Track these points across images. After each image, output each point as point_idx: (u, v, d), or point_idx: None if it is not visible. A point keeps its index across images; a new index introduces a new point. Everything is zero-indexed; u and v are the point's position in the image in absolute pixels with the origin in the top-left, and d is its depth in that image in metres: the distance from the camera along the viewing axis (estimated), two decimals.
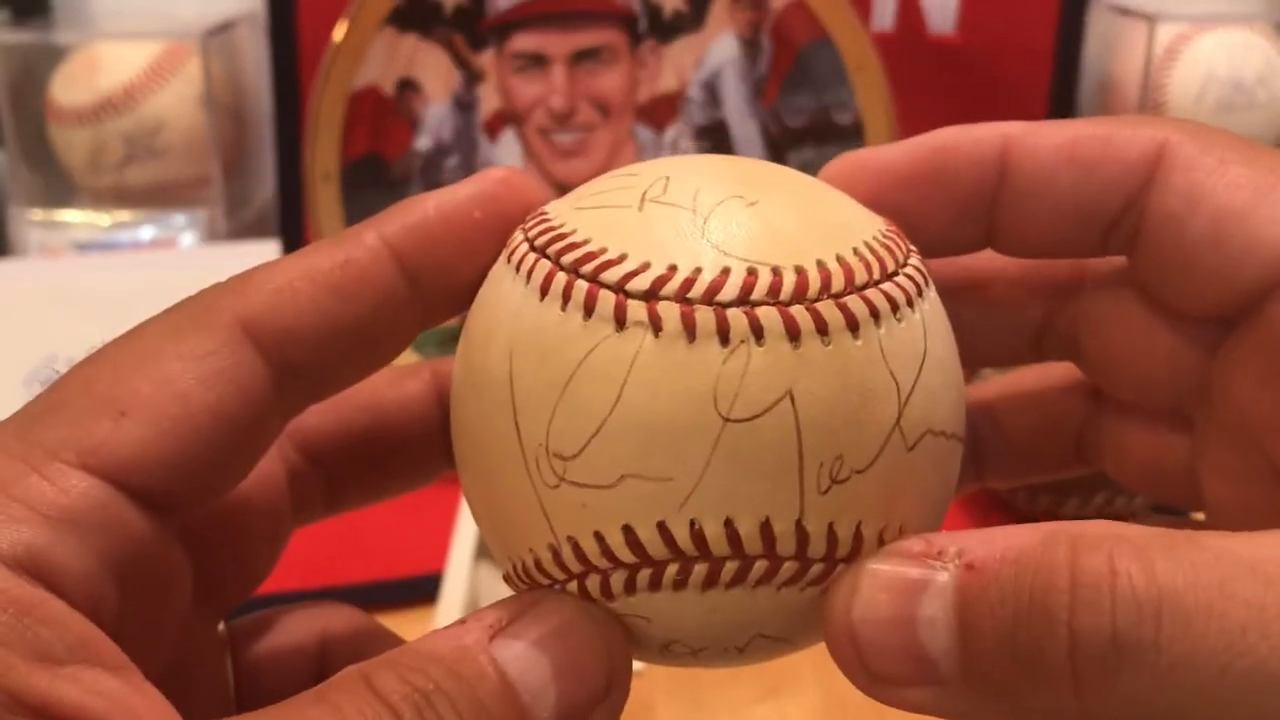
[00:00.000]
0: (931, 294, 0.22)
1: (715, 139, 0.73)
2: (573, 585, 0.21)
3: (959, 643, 0.19)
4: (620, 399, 0.20)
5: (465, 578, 0.54)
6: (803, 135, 0.73)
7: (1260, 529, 0.19)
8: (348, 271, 0.22)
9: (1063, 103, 0.76)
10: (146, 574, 0.20)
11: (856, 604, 0.20)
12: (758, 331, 0.20)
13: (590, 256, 0.21)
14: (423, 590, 0.54)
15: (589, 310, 0.20)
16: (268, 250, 0.73)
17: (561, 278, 0.21)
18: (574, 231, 0.21)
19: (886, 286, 0.21)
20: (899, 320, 0.21)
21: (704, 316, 0.20)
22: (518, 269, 0.22)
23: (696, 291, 0.20)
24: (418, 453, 0.27)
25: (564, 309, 0.20)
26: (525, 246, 0.22)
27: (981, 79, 0.75)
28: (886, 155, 0.24)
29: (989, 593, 0.19)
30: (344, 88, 0.70)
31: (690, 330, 0.20)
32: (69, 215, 0.79)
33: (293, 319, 0.21)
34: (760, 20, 0.72)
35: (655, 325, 0.20)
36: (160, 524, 0.21)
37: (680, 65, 0.72)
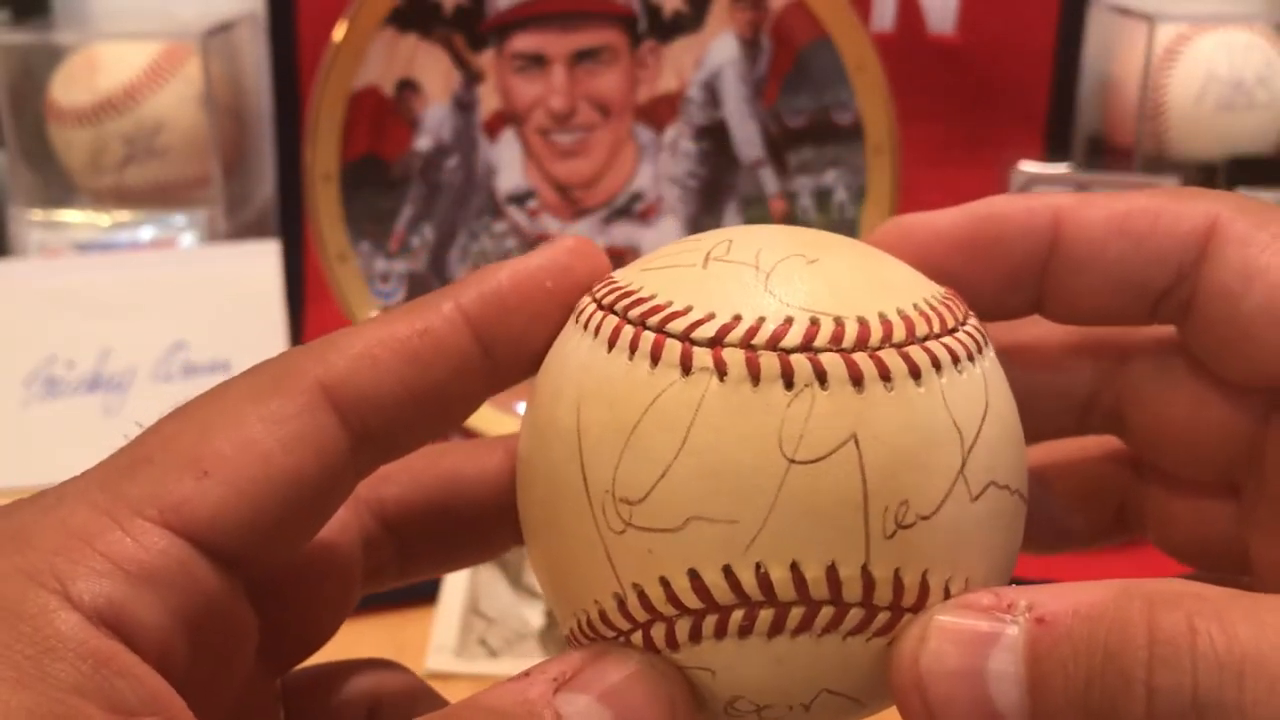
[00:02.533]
0: (991, 354, 0.23)
1: (715, 139, 0.73)
2: (637, 636, 0.21)
3: (1029, 698, 0.19)
4: (686, 442, 0.20)
5: (465, 577, 0.54)
6: (802, 135, 0.73)
7: None
8: (425, 340, 0.23)
9: (1063, 103, 0.76)
10: (216, 630, 0.21)
11: (924, 654, 0.20)
12: (821, 376, 0.20)
13: (656, 310, 0.21)
14: (423, 590, 0.54)
15: (655, 358, 0.21)
16: (268, 250, 0.73)
17: (629, 330, 0.21)
18: (640, 289, 0.22)
19: (947, 340, 0.21)
20: (960, 372, 0.21)
21: (768, 361, 0.20)
22: (585, 326, 0.22)
23: (761, 338, 0.20)
24: (491, 526, 0.27)
25: (631, 359, 0.21)
26: (593, 306, 0.22)
27: (981, 79, 0.75)
28: (938, 221, 0.25)
29: (1061, 648, 0.19)
30: (344, 88, 0.70)
31: (755, 374, 0.20)
32: (69, 215, 0.79)
33: (372, 385, 0.22)
34: (760, 20, 0.72)
35: (720, 370, 0.20)
36: (232, 582, 0.21)
37: (680, 65, 0.72)
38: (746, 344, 0.20)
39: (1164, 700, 0.18)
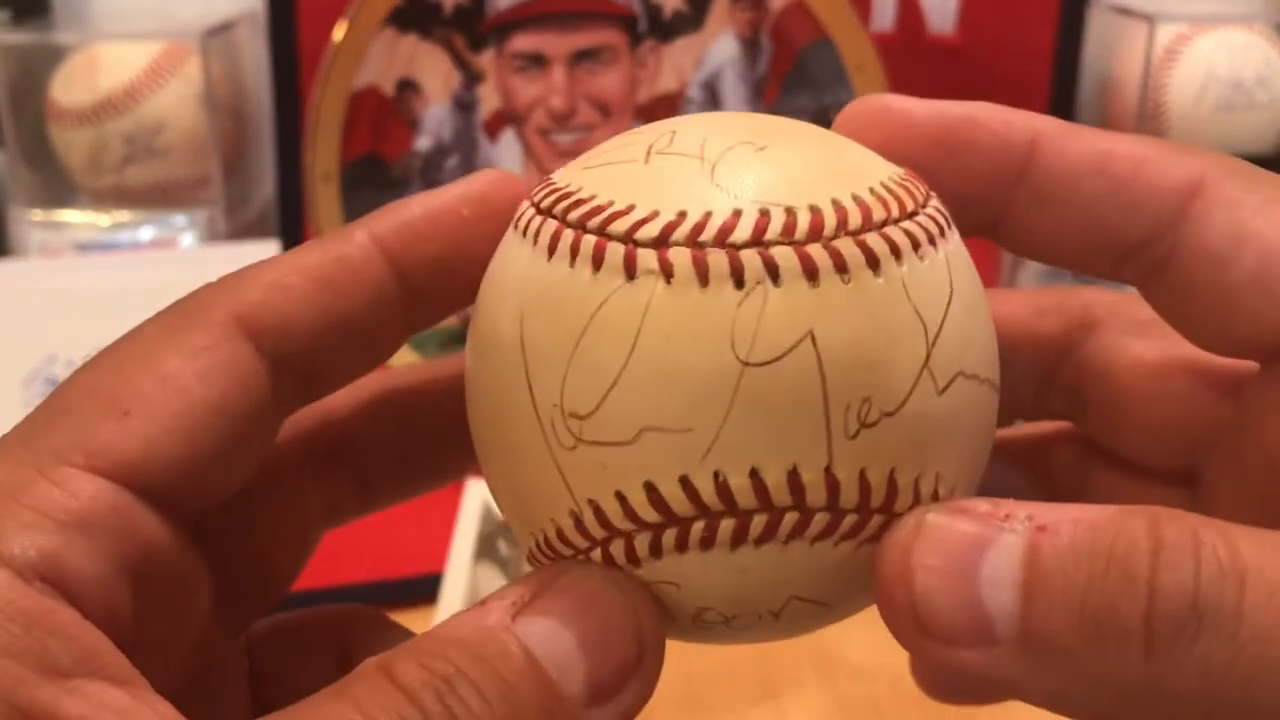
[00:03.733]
0: (955, 237, 0.22)
1: None
2: (596, 553, 0.20)
3: (1022, 602, 0.18)
4: (634, 350, 0.19)
5: (465, 578, 0.54)
6: None
7: None
8: (338, 266, 0.22)
9: (1063, 103, 0.76)
10: (162, 579, 0.20)
11: (918, 549, 0.19)
12: (773, 272, 0.19)
13: (597, 210, 0.20)
14: (423, 590, 0.54)
15: (598, 263, 0.20)
16: (268, 250, 0.73)
17: (569, 234, 0.20)
18: (580, 189, 0.21)
19: (907, 225, 0.20)
20: (921, 259, 0.20)
21: (717, 259, 0.19)
22: (524, 233, 0.21)
23: (708, 235, 0.19)
24: (446, 444, 0.26)
25: (572, 265, 0.20)
26: (531, 211, 0.21)
27: (981, 79, 0.75)
28: (912, 107, 0.23)
29: (1062, 550, 0.18)
30: (344, 88, 0.70)
31: (703, 275, 0.19)
32: (69, 215, 0.79)
33: (286, 313, 0.22)
34: (760, 20, 0.72)
35: (666, 272, 0.19)
36: (173, 526, 0.21)
37: (680, 65, 0.72)
38: (693, 242, 0.19)
39: (1165, 602, 0.17)
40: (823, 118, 0.80)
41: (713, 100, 0.73)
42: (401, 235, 0.23)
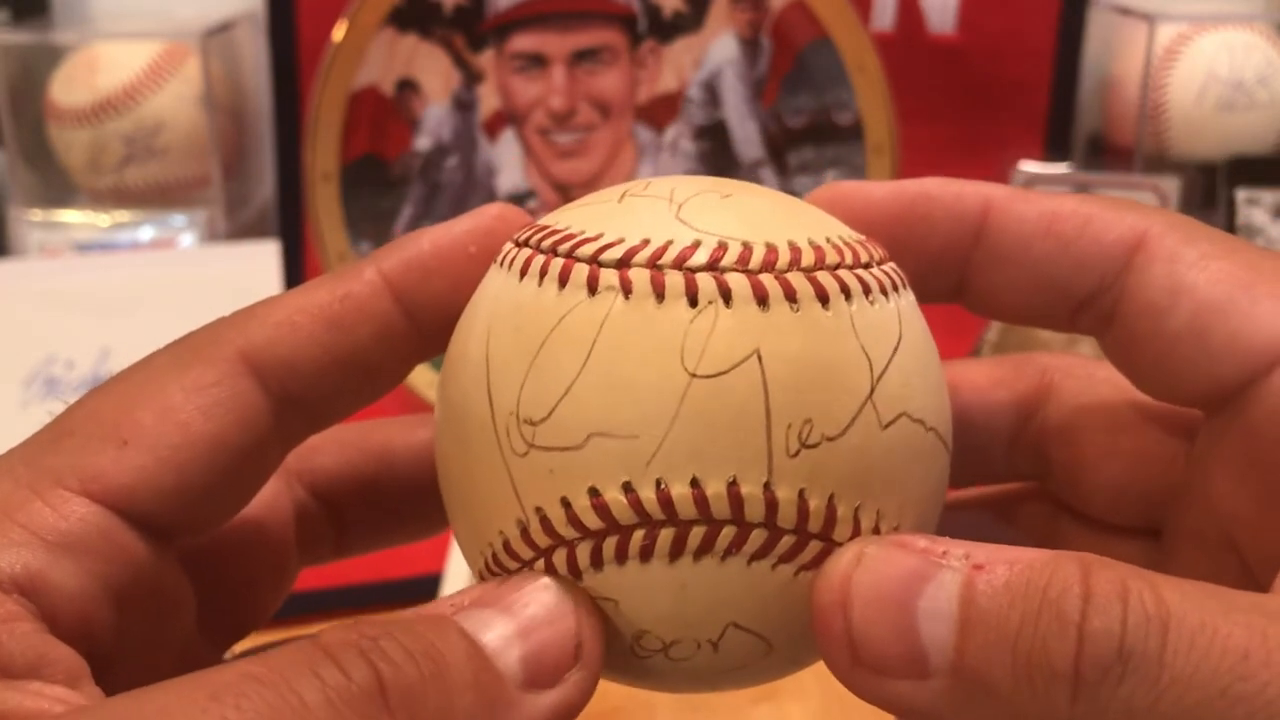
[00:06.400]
0: (909, 296, 0.22)
1: (715, 139, 0.73)
2: (539, 565, 0.21)
3: (957, 637, 0.19)
4: (589, 359, 0.20)
5: (465, 578, 0.54)
6: (802, 135, 0.73)
7: None
8: (346, 304, 0.23)
9: (1063, 103, 0.76)
10: (146, 598, 0.21)
11: (857, 577, 0.19)
12: (726, 294, 0.20)
13: (568, 238, 0.21)
14: (422, 590, 0.54)
15: (563, 281, 0.21)
16: (267, 250, 0.72)
17: (540, 258, 0.21)
18: (555, 224, 0.22)
19: (860, 272, 0.21)
20: (871, 303, 0.21)
21: (673, 280, 0.20)
22: (501, 264, 0.22)
23: (667, 259, 0.20)
24: (423, 501, 0.27)
25: (540, 283, 0.21)
26: (510, 245, 0.22)
27: (981, 79, 0.75)
28: (870, 190, 0.25)
29: (998, 589, 0.19)
30: (343, 88, 0.70)
31: (659, 292, 0.20)
32: (69, 215, 0.79)
33: (292, 351, 0.22)
34: (760, 20, 0.72)
35: (625, 289, 0.20)
36: (161, 550, 0.21)
37: (680, 65, 0.72)
38: (652, 264, 0.20)
39: (1093, 645, 0.18)
40: (823, 117, 0.79)
41: (713, 100, 0.73)
42: (409, 271, 0.23)
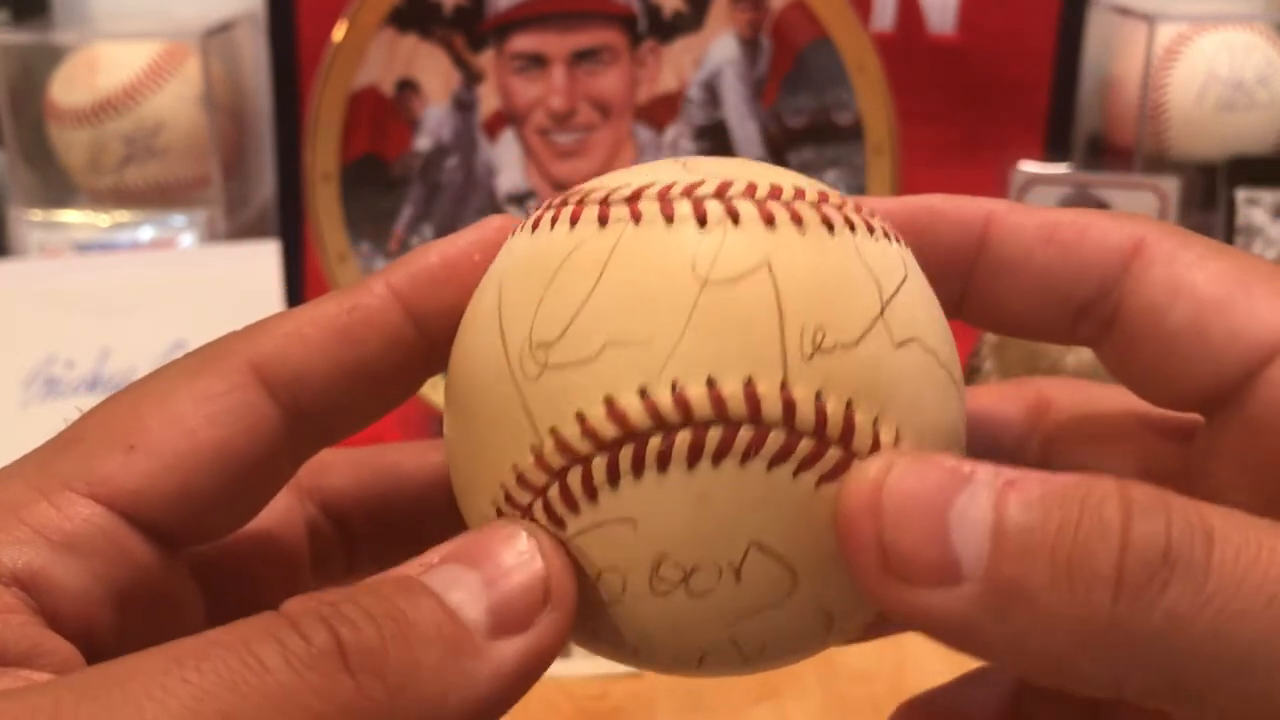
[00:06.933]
0: (912, 258, 0.23)
1: (715, 139, 0.73)
2: (554, 491, 0.20)
3: (991, 544, 0.19)
4: (601, 278, 0.20)
5: None
6: (802, 135, 0.73)
7: None
8: (354, 316, 0.23)
9: (1063, 103, 0.76)
10: (150, 600, 0.22)
11: (889, 483, 0.19)
12: (734, 216, 0.21)
13: (578, 191, 0.22)
14: None
15: (574, 222, 0.21)
16: (267, 250, 0.73)
17: (549, 212, 0.22)
18: (564, 193, 0.23)
19: (864, 215, 0.22)
20: (875, 240, 0.22)
21: (682, 206, 0.21)
22: (512, 234, 0.23)
23: (675, 192, 0.21)
24: (432, 524, 0.27)
25: (551, 229, 0.22)
26: (523, 217, 0.23)
27: (981, 79, 0.75)
28: (876, 205, 0.25)
29: (1033, 500, 0.19)
30: (343, 88, 0.70)
31: (669, 216, 0.21)
32: (69, 215, 0.79)
33: (301, 361, 0.23)
34: (760, 20, 0.72)
35: (635, 217, 0.21)
36: (168, 556, 0.22)
37: (680, 65, 0.72)
38: (661, 197, 0.21)
39: (1137, 549, 0.18)
40: (823, 117, 0.79)
41: (713, 100, 0.73)
42: (417, 283, 0.24)
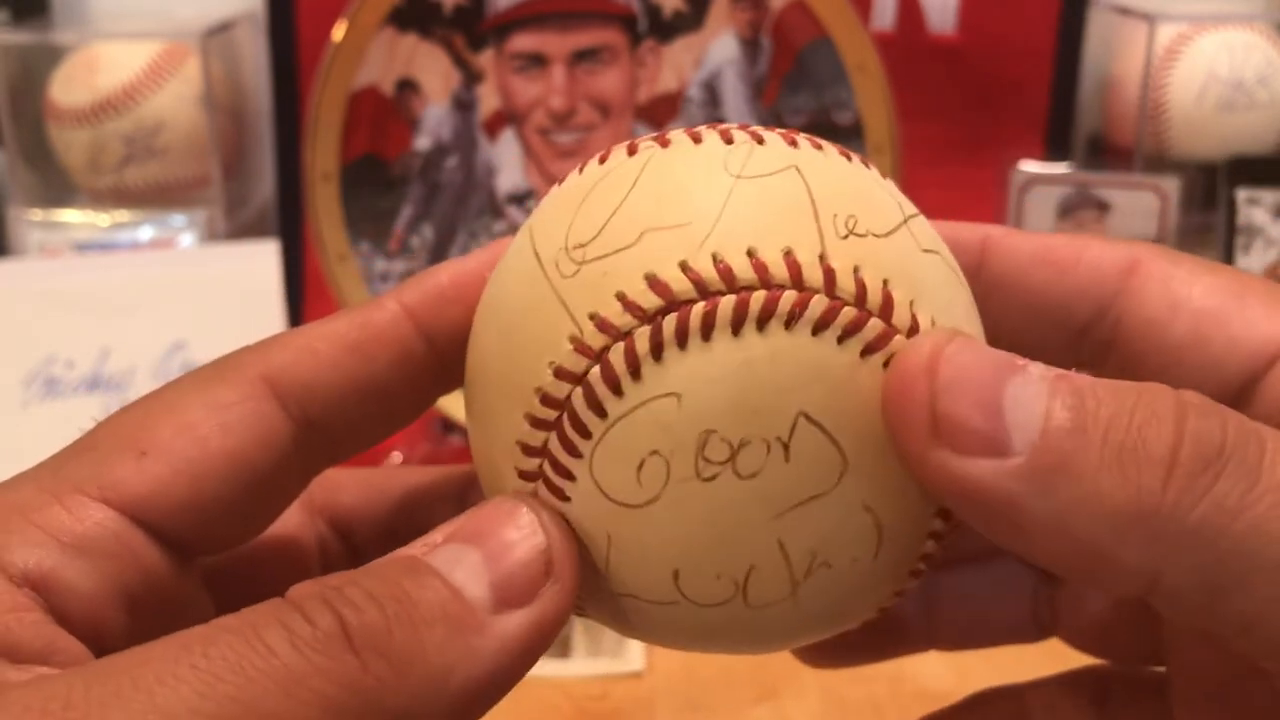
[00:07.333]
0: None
1: None
2: (595, 373, 0.20)
3: (1043, 419, 0.19)
4: (635, 185, 0.21)
5: None
6: None
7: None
8: (365, 331, 0.24)
9: (1063, 103, 0.76)
10: (161, 606, 0.22)
11: (948, 351, 0.20)
12: (759, 139, 0.22)
13: (578, 158, 0.23)
14: None
15: (603, 160, 0.22)
16: (267, 250, 0.73)
17: (580, 164, 0.23)
18: None
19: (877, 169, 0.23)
20: (887, 180, 0.23)
21: (709, 134, 0.22)
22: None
23: (700, 127, 0.22)
24: None
25: (581, 172, 0.22)
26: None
27: (981, 79, 0.75)
28: None
29: (1086, 387, 0.19)
30: (343, 88, 0.70)
31: (696, 139, 0.22)
32: (68, 215, 0.79)
33: (312, 374, 0.23)
34: (760, 20, 0.72)
35: (664, 144, 0.22)
36: (180, 563, 0.22)
37: (680, 65, 0.72)
38: (687, 131, 0.22)
39: (1194, 438, 0.18)
40: (823, 117, 0.79)
41: (713, 100, 0.73)
42: (427, 301, 0.24)
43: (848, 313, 0.20)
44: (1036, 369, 0.19)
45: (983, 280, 0.25)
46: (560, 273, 0.21)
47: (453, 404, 0.68)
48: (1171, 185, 0.76)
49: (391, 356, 0.24)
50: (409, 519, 0.28)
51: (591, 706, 0.53)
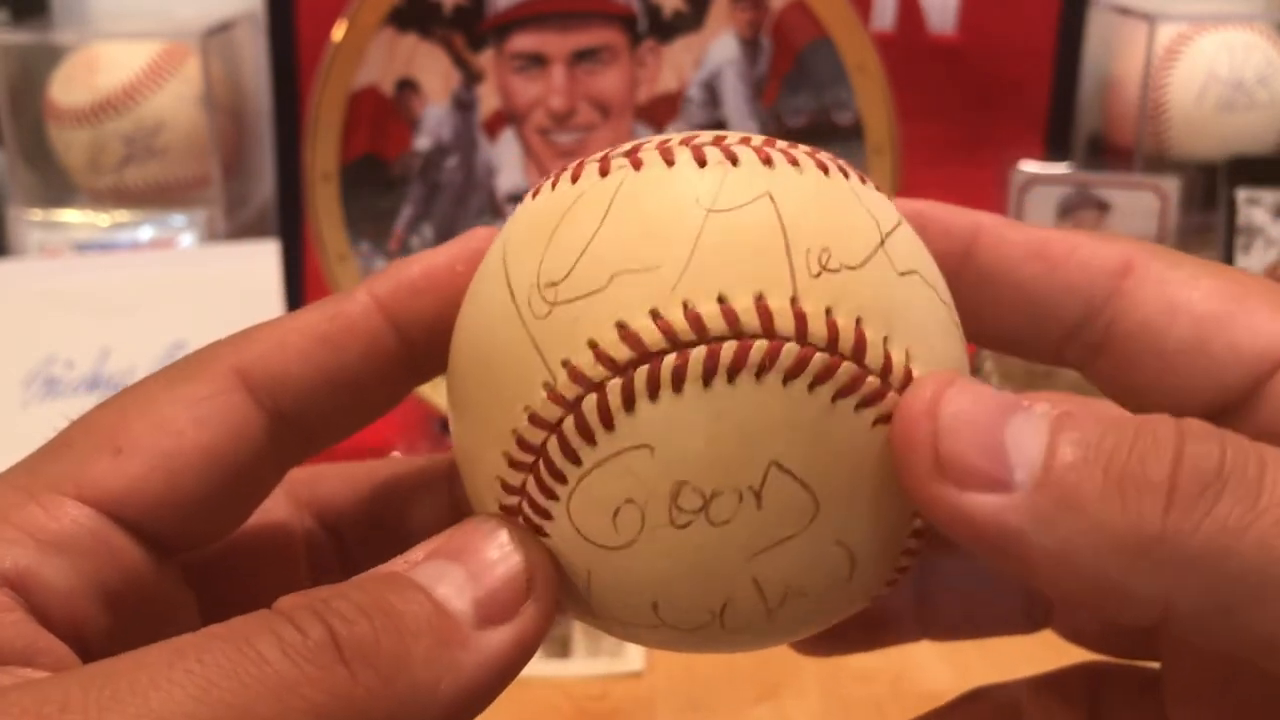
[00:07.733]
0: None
1: None
2: (569, 423, 0.20)
3: (1045, 455, 0.19)
4: (606, 218, 0.21)
5: None
6: (802, 135, 0.73)
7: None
8: (336, 323, 0.24)
9: (1063, 103, 0.76)
10: (141, 604, 0.22)
11: (949, 393, 0.20)
12: (732, 159, 0.21)
13: (579, 159, 0.22)
14: None
15: (575, 178, 0.22)
16: (267, 250, 0.73)
17: (551, 177, 0.22)
18: None
19: (858, 172, 0.22)
20: (868, 188, 0.22)
21: (681, 153, 0.21)
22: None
23: (673, 143, 0.22)
24: (431, 533, 0.27)
25: (554, 188, 0.22)
26: None
27: (981, 79, 0.75)
28: None
29: (1087, 422, 0.19)
30: (343, 88, 0.70)
31: (669, 160, 0.21)
32: (68, 215, 0.79)
33: (283, 366, 0.23)
34: (760, 20, 0.72)
35: (636, 165, 0.21)
36: (159, 560, 0.22)
37: (680, 65, 0.72)
38: (661, 147, 0.22)
39: (1192, 462, 0.18)
40: (823, 117, 0.79)
41: (713, 100, 0.73)
42: (399, 293, 0.24)
43: (819, 359, 0.20)
44: (1039, 406, 0.19)
45: (971, 268, 0.24)
46: (533, 313, 0.21)
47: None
48: (1171, 185, 0.76)
49: (362, 348, 0.24)
50: (393, 509, 0.28)
51: (591, 706, 0.53)
